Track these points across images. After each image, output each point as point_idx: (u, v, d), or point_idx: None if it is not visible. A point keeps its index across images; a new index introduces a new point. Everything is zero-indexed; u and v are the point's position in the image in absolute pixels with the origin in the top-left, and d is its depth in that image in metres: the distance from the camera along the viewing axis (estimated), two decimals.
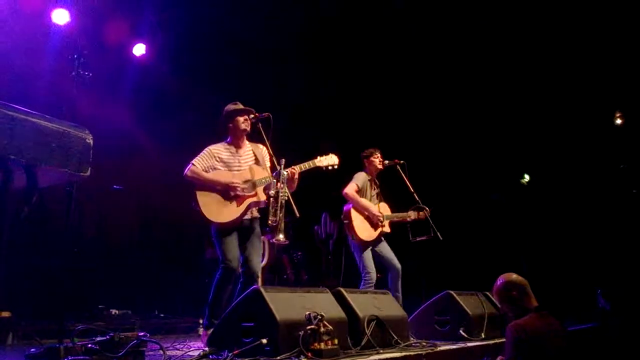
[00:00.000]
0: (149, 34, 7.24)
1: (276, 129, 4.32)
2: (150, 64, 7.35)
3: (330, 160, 4.53)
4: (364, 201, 5.52)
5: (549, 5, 7.58)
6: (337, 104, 9.05)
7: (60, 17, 6.03)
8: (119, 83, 7.04)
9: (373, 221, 5.49)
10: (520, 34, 8.03)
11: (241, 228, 4.30)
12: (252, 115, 4.40)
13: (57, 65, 5.80)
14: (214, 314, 4.16)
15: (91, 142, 2.68)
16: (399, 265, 5.45)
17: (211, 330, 4.01)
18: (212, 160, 4.35)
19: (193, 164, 4.30)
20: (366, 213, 5.50)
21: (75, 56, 4.55)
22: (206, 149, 4.42)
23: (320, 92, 8.81)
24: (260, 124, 4.39)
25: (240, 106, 4.47)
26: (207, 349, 3.21)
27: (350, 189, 5.50)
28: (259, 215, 4.42)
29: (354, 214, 5.47)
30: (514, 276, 3.42)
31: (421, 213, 5.59)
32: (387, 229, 5.55)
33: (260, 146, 4.51)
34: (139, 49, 7.23)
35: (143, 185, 7.30)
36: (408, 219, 5.61)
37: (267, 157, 4.47)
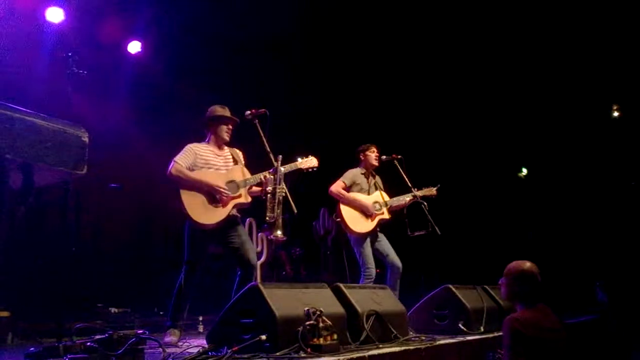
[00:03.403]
0: (144, 31, 7.21)
1: (271, 126, 4.32)
2: (145, 61, 7.32)
3: (310, 162, 4.59)
4: (350, 195, 5.46)
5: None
6: (333, 101, 9.04)
7: (55, 15, 6.00)
8: (114, 81, 7.01)
9: (366, 212, 5.48)
10: (516, 27, 8.02)
11: (219, 228, 4.25)
12: (248, 112, 4.39)
13: (52, 64, 5.78)
14: (176, 317, 4.22)
15: (87, 140, 2.67)
16: (399, 264, 5.41)
17: (170, 330, 4.15)
18: (194, 158, 4.30)
19: (176, 162, 4.23)
20: (357, 204, 5.47)
21: (70, 54, 4.52)
22: (187, 146, 4.36)
23: (315, 90, 8.80)
24: (257, 120, 4.39)
25: (228, 113, 4.46)
26: (206, 345, 3.21)
27: (335, 187, 5.47)
28: (238, 215, 4.40)
29: (344, 209, 5.42)
30: (531, 265, 3.38)
31: (426, 190, 5.57)
32: (386, 216, 5.50)
33: (237, 150, 4.56)
34: (134, 47, 7.21)
35: (140, 183, 7.27)
36: (414, 198, 5.50)
37: (243, 159, 4.52)
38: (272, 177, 4.18)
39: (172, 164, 4.23)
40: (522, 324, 3.06)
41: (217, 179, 4.24)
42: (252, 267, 4.29)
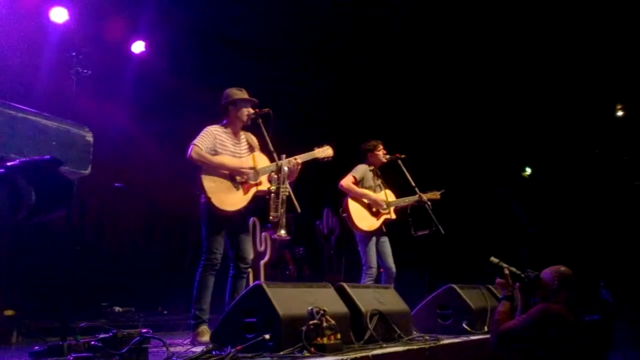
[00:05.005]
0: (148, 31, 7.21)
1: (276, 124, 4.31)
2: (149, 61, 7.33)
3: (326, 152, 4.52)
4: (361, 190, 5.46)
5: None
6: (337, 98, 9.04)
7: (59, 15, 6.00)
8: (118, 80, 7.02)
9: (373, 208, 5.44)
10: (521, 26, 8.00)
11: (234, 218, 4.20)
12: (252, 111, 4.37)
13: (56, 64, 5.78)
14: (200, 310, 4.07)
15: (91, 139, 2.68)
16: (394, 269, 5.41)
17: (199, 329, 4.01)
18: (213, 141, 4.21)
19: (196, 145, 4.11)
20: (365, 201, 5.42)
21: (74, 54, 4.54)
22: (205, 129, 4.27)
23: (320, 87, 8.79)
24: (260, 120, 4.37)
25: (246, 95, 4.40)
26: (210, 345, 3.21)
27: (346, 180, 5.45)
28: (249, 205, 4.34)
29: (351, 204, 5.41)
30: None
31: (430, 194, 5.56)
32: (391, 216, 5.49)
33: (251, 135, 4.49)
34: (138, 47, 7.21)
35: (144, 183, 7.29)
36: (418, 202, 5.50)
37: (257, 144, 4.45)
38: (293, 165, 4.14)
39: (191, 147, 4.11)
40: (556, 312, 3.20)
41: (237, 163, 4.20)
42: (247, 264, 4.26)
